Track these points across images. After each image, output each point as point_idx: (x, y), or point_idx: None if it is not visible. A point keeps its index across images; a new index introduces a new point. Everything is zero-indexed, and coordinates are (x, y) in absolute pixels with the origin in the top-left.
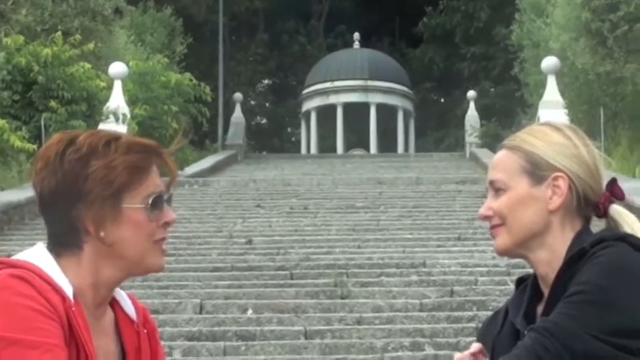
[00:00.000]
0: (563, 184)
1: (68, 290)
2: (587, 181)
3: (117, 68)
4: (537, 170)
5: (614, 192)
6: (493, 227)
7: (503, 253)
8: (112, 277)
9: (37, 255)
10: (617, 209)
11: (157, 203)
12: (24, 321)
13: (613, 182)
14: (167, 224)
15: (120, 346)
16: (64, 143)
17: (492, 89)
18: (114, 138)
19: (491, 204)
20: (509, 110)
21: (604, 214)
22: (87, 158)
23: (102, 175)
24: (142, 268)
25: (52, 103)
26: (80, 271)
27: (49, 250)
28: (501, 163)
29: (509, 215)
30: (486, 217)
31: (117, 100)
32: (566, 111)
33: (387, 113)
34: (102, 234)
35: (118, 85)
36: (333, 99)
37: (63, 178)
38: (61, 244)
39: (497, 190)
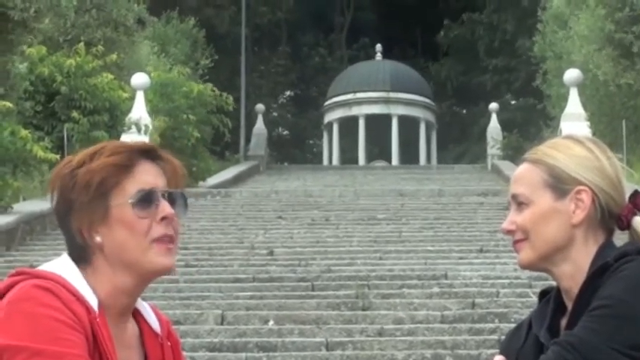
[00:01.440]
0: (586, 197)
1: (93, 301)
2: (609, 194)
3: (139, 79)
4: (560, 184)
5: (637, 204)
6: (516, 242)
7: (526, 267)
8: (126, 283)
9: (62, 266)
10: None
11: (147, 199)
12: (48, 332)
13: (636, 194)
14: (166, 219)
15: (144, 359)
16: (63, 163)
17: (514, 102)
18: (102, 147)
19: (515, 218)
20: (530, 123)
21: (627, 226)
22: (76, 170)
23: (84, 181)
24: (147, 270)
25: (75, 114)
26: (98, 281)
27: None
28: (524, 176)
29: (532, 230)
30: (509, 232)
31: (139, 111)
32: (588, 123)
33: (408, 125)
34: (97, 239)
35: (140, 96)
36: (355, 110)
37: (58, 195)
38: (76, 259)
39: (520, 204)
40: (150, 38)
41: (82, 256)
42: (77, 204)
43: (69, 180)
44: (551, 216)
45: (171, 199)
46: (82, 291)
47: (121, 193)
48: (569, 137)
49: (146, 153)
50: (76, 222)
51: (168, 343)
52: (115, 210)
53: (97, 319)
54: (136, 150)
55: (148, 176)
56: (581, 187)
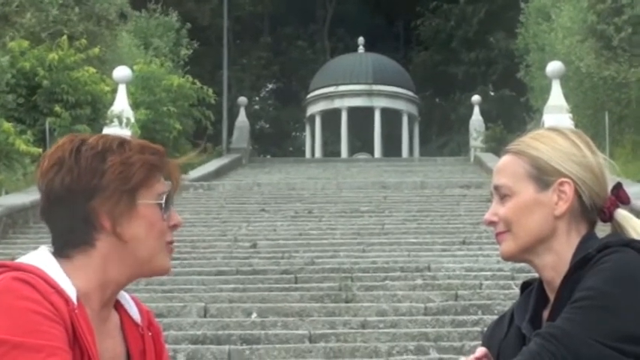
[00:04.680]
0: (569, 189)
1: (72, 293)
2: (592, 187)
3: (121, 72)
4: (543, 175)
5: (620, 196)
6: (498, 234)
7: (509, 258)
8: (120, 276)
9: (41, 258)
10: (622, 214)
11: (168, 203)
12: (27, 324)
13: (618, 187)
14: (175, 227)
15: (126, 349)
16: (77, 142)
17: (493, 93)
18: (125, 140)
19: (497, 210)
20: (512, 115)
21: (609, 218)
22: (103, 155)
23: (119, 170)
24: (150, 268)
25: (57, 108)
26: (88, 271)
27: (54, 252)
28: (506, 168)
29: (515, 222)
30: (491, 223)
31: (121, 104)
32: (570, 115)
33: (391, 117)
34: (118, 229)
35: (122, 89)
36: (337, 103)
37: (79, 175)
38: (71, 244)
39: (503, 195)
40: (132, 32)
41: (81, 241)
42: (108, 191)
43: (97, 163)
44: (533, 207)
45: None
46: (60, 283)
47: (150, 192)
48: (553, 129)
49: (165, 158)
50: (98, 207)
51: (149, 333)
52: (142, 207)
53: (76, 311)
54: (163, 154)
55: (165, 181)
56: (564, 179)
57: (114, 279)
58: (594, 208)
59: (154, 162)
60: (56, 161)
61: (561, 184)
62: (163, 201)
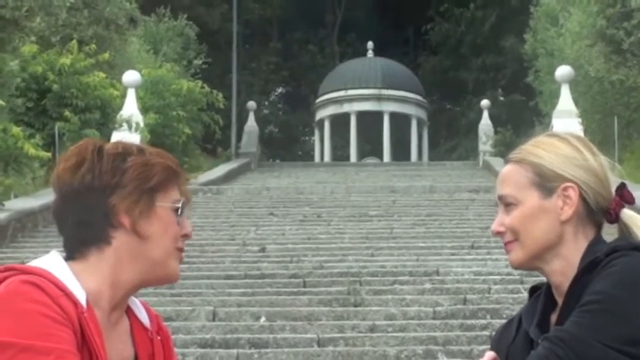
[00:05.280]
0: (573, 193)
1: (81, 296)
2: (596, 189)
3: (130, 77)
4: (546, 182)
5: (624, 196)
6: (507, 243)
7: (518, 267)
8: (131, 277)
9: (50, 261)
10: (628, 214)
11: (183, 210)
12: (36, 327)
13: (622, 187)
14: (185, 236)
15: (135, 353)
16: (98, 144)
17: (502, 98)
18: (143, 146)
19: (503, 220)
20: (520, 119)
21: (615, 219)
22: (124, 156)
23: (140, 170)
24: (161, 271)
25: (66, 112)
26: (101, 269)
27: (65, 256)
28: (509, 177)
29: (521, 230)
30: (499, 233)
31: (130, 109)
32: (579, 120)
33: (400, 122)
34: (137, 227)
35: (131, 94)
36: (346, 107)
37: (100, 173)
38: (86, 241)
39: (508, 204)
40: (142, 37)
41: (98, 236)
42: (128, 188)
43: (119, 162)
44: (539, 214)
45: None
46: (69, 286)
47: (166, 196)
48: (553, 135)
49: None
50: (118, 204)
51: (158, 338)
52: (160, 208)
53: (85, 314)
54: (179, 164)
55: (179, 190)
56: (568, 184)
57: (125, 280)
58: (600, 210)
59: (172, 167)
60: (76, 161)
61: (565, 189)
62: (180, 205)
